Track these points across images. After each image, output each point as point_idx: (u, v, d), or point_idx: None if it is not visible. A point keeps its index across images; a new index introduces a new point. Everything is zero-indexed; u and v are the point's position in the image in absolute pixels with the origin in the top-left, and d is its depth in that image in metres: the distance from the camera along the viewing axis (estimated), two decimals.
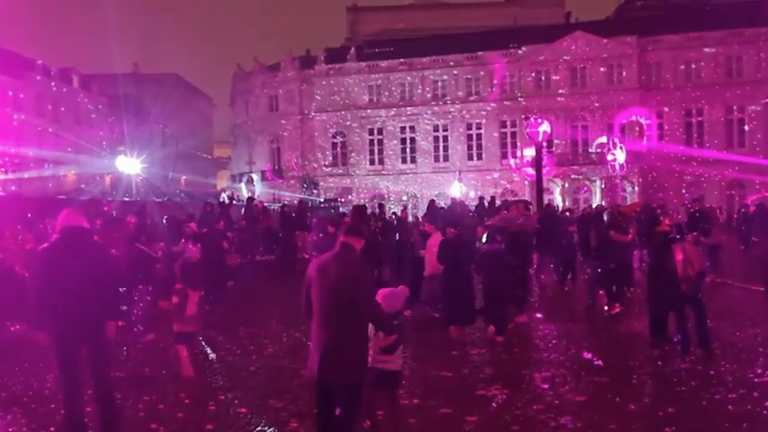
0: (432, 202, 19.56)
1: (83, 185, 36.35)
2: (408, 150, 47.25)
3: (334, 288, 4.35)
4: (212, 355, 8.10)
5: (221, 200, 28.27)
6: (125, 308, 9.15)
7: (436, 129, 46.65)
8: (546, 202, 21.45)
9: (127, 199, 26.03)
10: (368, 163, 47.73)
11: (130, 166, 33.39)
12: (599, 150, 39.16)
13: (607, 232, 10.54)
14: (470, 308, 8.91)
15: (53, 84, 45.62)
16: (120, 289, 7.79)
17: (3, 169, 36.81)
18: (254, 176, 48.20)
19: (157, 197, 27.33)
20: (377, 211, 19.44)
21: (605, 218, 11.13)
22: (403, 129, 47.28)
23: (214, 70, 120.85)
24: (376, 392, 4.91)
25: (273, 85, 49.66)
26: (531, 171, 33.89)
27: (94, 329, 5.00)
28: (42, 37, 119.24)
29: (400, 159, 47.42)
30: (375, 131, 47.62)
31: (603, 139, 37.46)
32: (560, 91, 43.20)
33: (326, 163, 48.03)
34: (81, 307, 4.88)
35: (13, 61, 41.71)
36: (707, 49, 41.04)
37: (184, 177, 58.42)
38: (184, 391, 6.63)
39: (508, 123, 45.09)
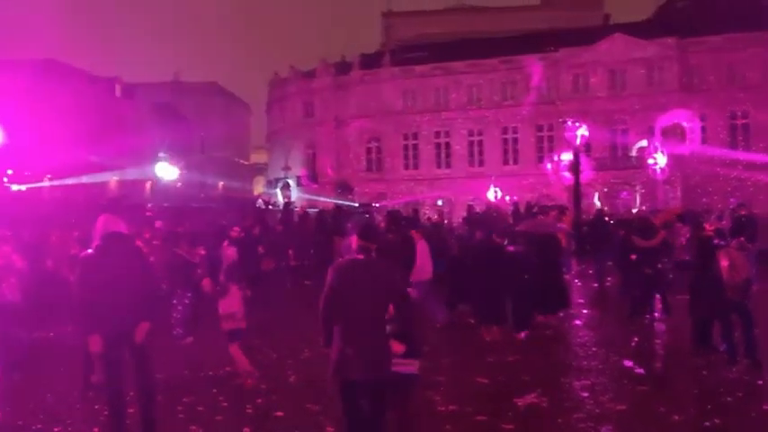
0: (469, 207, 19.46)
1: (125, 191, 37.24)
2: (443, 155, 47.11)
3: (369, 292, 4.39)
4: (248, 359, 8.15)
5: (257, 205, 28.56)
6: (165, 311, 9.34)
7: (471, 133, 46.42)
8: (595, 207, 21.11)
9: (166, 204, 26.57)
10: (402, 168, 47.75)
11: (169, 172, 34.12)
12: (639, 154, 38.40)
13: (630, 237, 10.42)
14: (501, 309, 9.05)
15: (98, 93, 46.90)
16: (160, 293, 7.92)
17: (49, 176, 37.94)
18: (290, 182, 48.69)
19: (195, 203, 27.85)
20: (407, 216, 19.42)
21: (634, 222, 11.01)
22: (438, 133, 47.17)
23: (251, 78, 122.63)
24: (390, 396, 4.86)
25: (309, 92, 50.15)
26: (568, 175, 33.40)
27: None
28: (88, 47, 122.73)
29: (435, 164, 47.32)
30: (410, 136, 47.63)
31: (644, 143, 36.71)
32: (599, 94, 42.55)
33: (361, 168, 48.21)
34: (123, 310, 5.04)
35: (60, 71, 43.10)
36: (751, 50, 39.94)
37: (222, 183, 59.39)
38: (222, 393, 6.71)
39: (545, 127, 44.59)
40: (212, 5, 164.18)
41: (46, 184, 37.72)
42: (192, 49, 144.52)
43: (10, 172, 33.90)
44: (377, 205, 35.55)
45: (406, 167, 47.75)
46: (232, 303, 7.03)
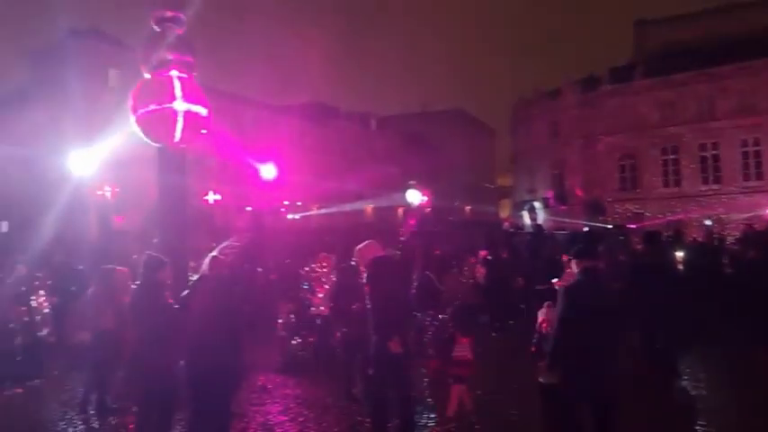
0: (746, 225, 17.04)
1: (378, 218, 39.98)
2: (710, 169, 42.15)
3: (607, 313, 4.38)
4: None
5: (505, 228, 28.40)
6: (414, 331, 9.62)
7: (744, 143, 40.86)
8: None
9: (416, 229, 27.74)
10: (661, 185, 43.77)
11: (419, 198, 35.75)
12: None
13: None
14: None
15: (355, 128, 51.42)
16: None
17: (317, 205, 42.38)
18: (537, 204, 47.73)
19: (444, 227, 28.64)
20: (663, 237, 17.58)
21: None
22: (702, 146, 42.38)
23: (495, 102, 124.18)
24: None
25: (554, 111, 48.92)
26: None
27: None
28: (347, 87, 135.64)
29: (700, 179, 42.50)
30: (669, 150, 43.55)
31: None
32: None
33: (614, 187, 45.36)
34: (401, 324, 5.81)
35: (320, 111, 48.21)
36: None
37: (469, 207, 60.59)
38: (475, 414, 6.61)
39: None
40: (456, 38, 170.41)
41: (314, 212, 42.20)
42: (438, 80, 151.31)
43: (286, 203, 38.62)
44: (632, 226, 32.99)
45: (666, 185, 43.68)
46: (463, 353, 6.82)
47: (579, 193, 46.51)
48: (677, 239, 16.69)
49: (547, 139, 49.36)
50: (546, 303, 5.98)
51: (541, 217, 45.25)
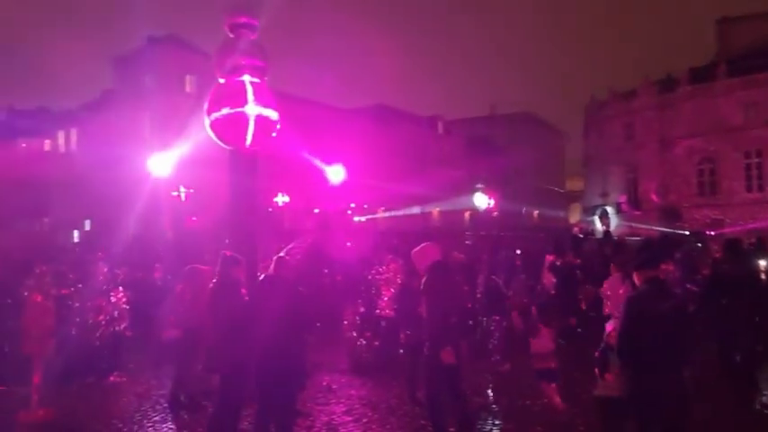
0: None
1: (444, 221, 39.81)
2: None
3: (673, 324, 4.29)
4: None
5: (574, 233, 27.75)
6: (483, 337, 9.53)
7: None
8: None
9: (483, 233, 27.51)
10: (744, 190, 41.61)
11: (486, 202, 35.40)
12: None
13: None
14: None
15: (422, 131, 51.40)
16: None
17: (383, 208, 42.61)
18: (609, 209, 46.33)
19: (511, 231, 28.24)
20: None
21: None
22: None
23: (566, 104, 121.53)
24: None
25: (629, 113, 47.32)
26: None
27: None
28: (414, 90, 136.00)
29: None
30: (752, 154, 41.36)
31: None
32: None
33: (692, 192, 43.49)
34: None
35: (390, 115, 48.46)
36: None
37: (537, 211, 59.49)
38: (539, 424, 6.48)
39: None
40: (524, 37, 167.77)
41: (380, 215, 42.47)
42: (506, 82, 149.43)
43: (353, 205, 39.01)
44: (711, 233, 31.53)
45: (749, 189, 41.50)
46: (543, 344, 6.78)
47: (654, 197, 44.81)
48: (761, 248, 15.82)
49: (621, 142, 47.80)
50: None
51: (614, 222, 43.89)
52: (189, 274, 7.48)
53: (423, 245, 6.27)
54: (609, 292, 9.18)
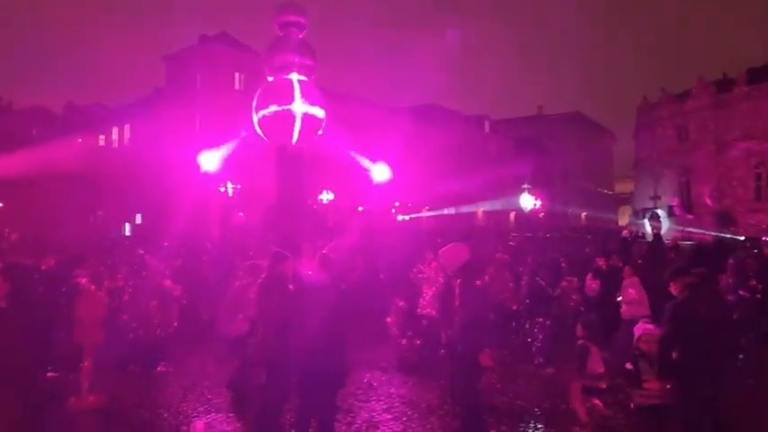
0: None
1: (489, 221, 39.45)
2: None
3: (718, 329, 4.32)
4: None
5: (623, 236, 27.10)
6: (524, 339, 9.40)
7: None
8: None
9: (528, 234, 27.13)
10: None
11: (531, 203, 34.97)
12: None
13: None
14: None
15: (468, 131, 51.04)
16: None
17: (427, 207, 42.49)
18: (660, 212, 45.10)
19: (557, 233, 27.78)
20: None
21: None
22: None
23: (618, 104, 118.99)
24: None
25: (682, 114, 45.98)
26: None
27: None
28: (462, 89, 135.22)
29: None
30: None
31: None
32: None
33: (748, 197, 41.94)
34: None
35: (437, 114, 48.29)
36: None
37: (584, 213, 58.37)
38: (584, 428, 6.34)
39: None
40: (574, 36, 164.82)
41: (424, 214, 42.36)
42: (555, 82, 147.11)
43: (397, 204, 39.03)
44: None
45: None
46: (593, 364, 6.55)
47: (708, 201, 43.42)
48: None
49: (673, 144, 46.49)
50: (641, 319, 5.68)
51: (665, 226, 42.68)
52: (251, 269, 7.57)
53: (450, 245, 6.25)
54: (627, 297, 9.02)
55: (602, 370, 6.50)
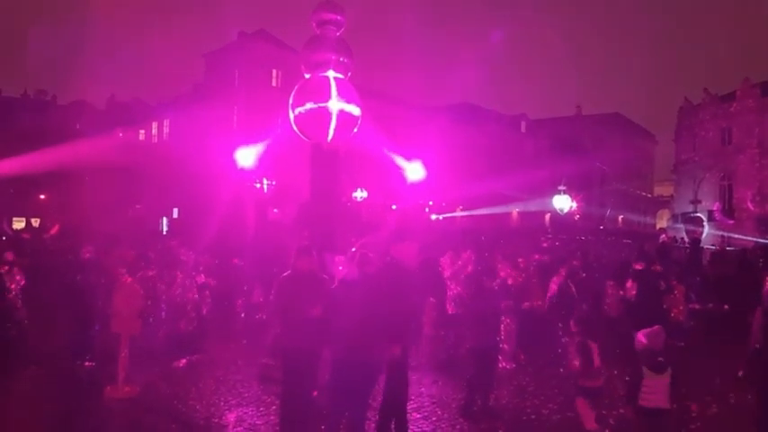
0: None
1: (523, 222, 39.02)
2: None
3: None
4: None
5: (660, 240, 26.58)
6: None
7: None
8: None
9: (563, 236, 26.74)
10: None
11: (567, 204, 34.47)
12: None
13: None
14: None
15: (505, 130, 50.58)
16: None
17: (461, 207, 42.28)
18: (701, 216, 44.03)
19: (593, 235, 27.33)
20: None
21: None
22: None
23: (659, 106, 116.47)
24: None
25: (726, 116, 44.73)
26: None
27: None
28: (499, 89, 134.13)
29: None
30: None
31: None
32: None
33: None
34: None
35: (473, 113, 47.97)
36: None
37: (621, 216, 57.31)
38: None
39: None
40: (614, 36, 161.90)
41: (458, 213, 42.16)
42: (594, 82, 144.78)
43: (431, 203, 38.92)
44: None
45: None
46: (594, 362, 6.42)
47: (750, 206, 42.22)
48: None
49: (716, 147, 45.30)
50: None
51: (705, 231, 41.66)
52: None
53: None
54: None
55: (596, 364, 6.40)
